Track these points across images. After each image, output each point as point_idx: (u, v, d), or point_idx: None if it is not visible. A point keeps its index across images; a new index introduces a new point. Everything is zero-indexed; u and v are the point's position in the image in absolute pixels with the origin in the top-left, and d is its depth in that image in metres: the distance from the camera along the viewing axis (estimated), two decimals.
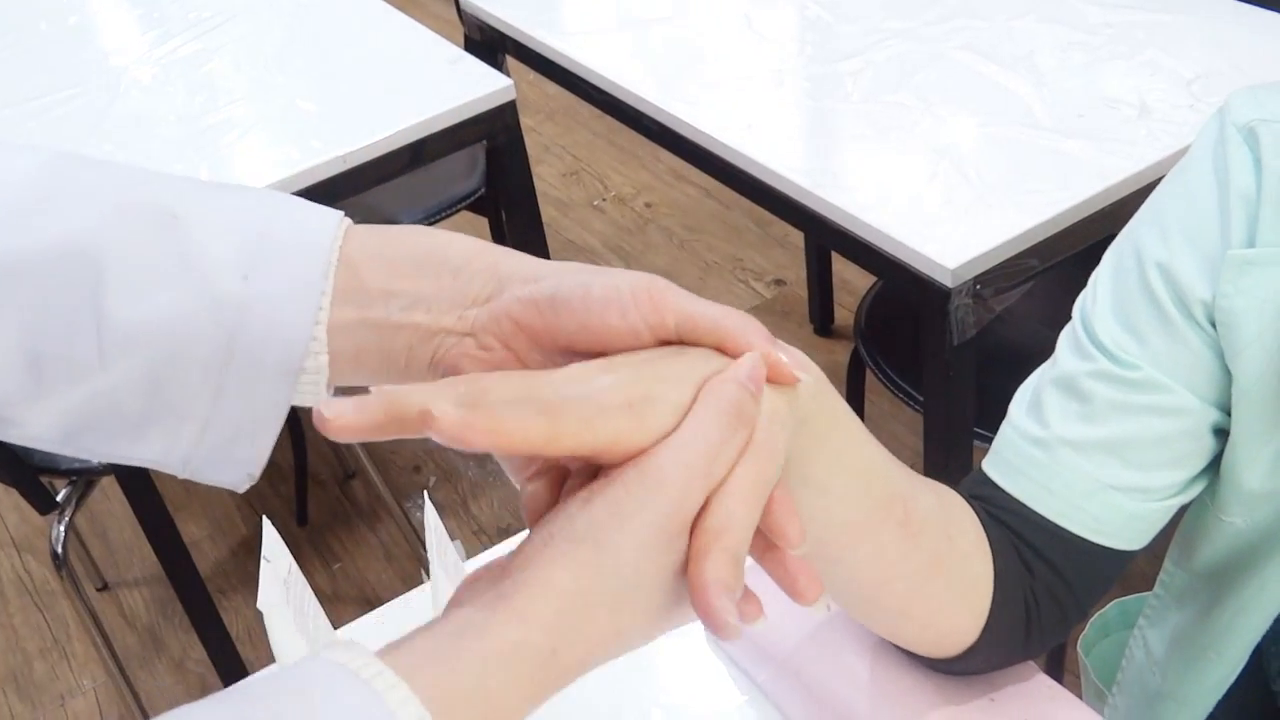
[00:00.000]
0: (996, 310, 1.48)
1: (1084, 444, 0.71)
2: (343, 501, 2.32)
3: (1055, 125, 1.35)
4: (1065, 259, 1.28)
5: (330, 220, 0.50)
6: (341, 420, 0.41)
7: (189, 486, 2.30)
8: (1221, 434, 0.73)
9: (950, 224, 1.24)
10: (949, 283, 1.18)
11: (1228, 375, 0.70)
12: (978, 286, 1.21)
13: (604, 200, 3.01)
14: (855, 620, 0.72)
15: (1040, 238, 1.23)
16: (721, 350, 0.47)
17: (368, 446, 2.24)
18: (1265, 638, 0.79)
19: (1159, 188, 0.75)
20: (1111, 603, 1.05)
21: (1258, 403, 0.69)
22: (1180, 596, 0.84)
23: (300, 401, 0.50)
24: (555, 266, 0.49)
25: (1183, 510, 0.78)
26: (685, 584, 0.43)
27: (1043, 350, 0.77)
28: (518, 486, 0.47)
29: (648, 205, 2.96)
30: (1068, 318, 0.77)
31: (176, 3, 1.89)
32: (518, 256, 0.50)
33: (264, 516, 0.73)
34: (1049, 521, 0.71)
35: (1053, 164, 1.30)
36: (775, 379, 0.47)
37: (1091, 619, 1.05)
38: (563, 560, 0.41)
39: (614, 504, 0.42)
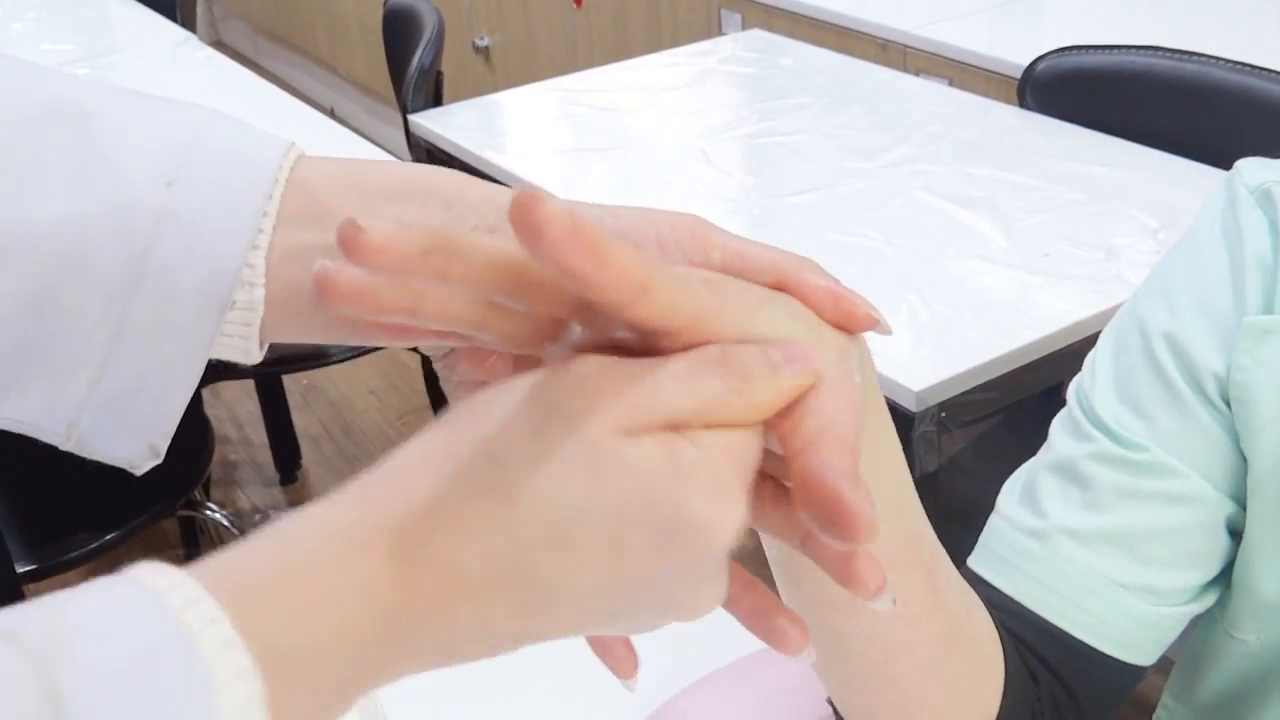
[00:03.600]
0: (953, 450, 1.41)
1: (1087, 534, 0.63)
2: None
3: (1020, 262, 1.31)
4: (1023, 400, 1.22)
5: (279, 139, 0.42)
6: (379, 232, 0.30)
7: None
8: (1236, 535, 0.64)
9: (912, 349, 1.18)
10: (913, 407, 1.11)
11: (1243, 461, 0.62)
12: (942, 414, 1.14)
13: None
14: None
15: (1006, 368, 1.17)
16: (779, 290, 0.37)
17: None
18: None
19: (1161, 261, 0.69)
20: None
21: (1275, 491, 0.61)
22: None
23: (223, 351, 0.41)
24: (573, 203, 0.40)
25: (1182, 637, 0.69)
26: (675, 522, 0.32)
27: (989, 504, 0.69)
28: None
29: None
30: (1014, 469, 0.69)
31: None
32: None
33: None
34: (1049, 624, 0.62)
35: (1018, 297, 1.25)
36: (846, 322, 0.37)
37: None
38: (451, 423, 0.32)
39: (561, 369, 0.33)
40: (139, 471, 0.41)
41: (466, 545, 0.30)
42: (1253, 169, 0.65)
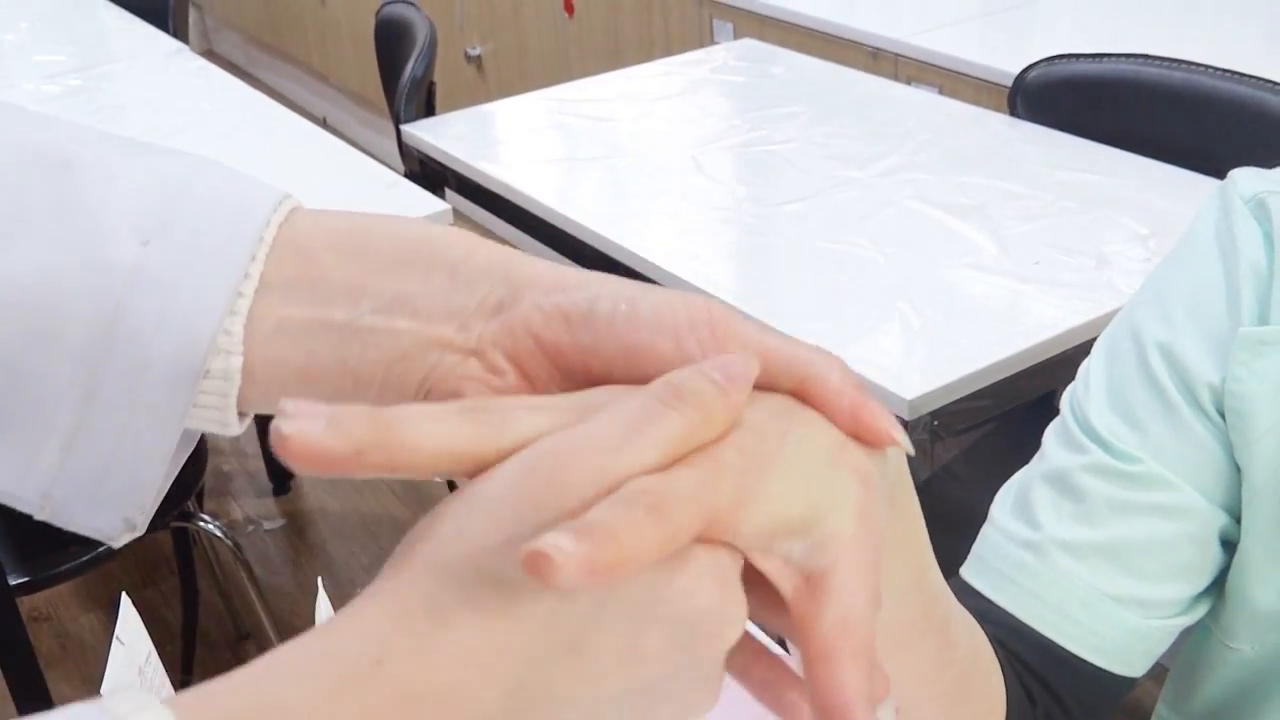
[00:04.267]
0: (945, 458, 1.41)
1: (1081, 547, 0.63)
2: (235, 666, 2.14)
3: (1012, 270, 1.32)
4: (1015, 408, 1.23)
5: (272, 191, 0.38)
6: (305, 439, 0.29)
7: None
8: (1229, 546, 0.65)
9: (904, 358, 1.18)
10: (905, 415, 1.11)
11: (1237, 473, 0.63)
12: (934, 422, 1.14)
13: None
14: None
15: (998, 376, 1.18)
16: (799, 396, 0.35)
17: (268, 606, 2.08)
18: None
19: (1155, 271, 0.69)
20: None
21: (1271, 502, 0.62)
22: None
23: (199, 421, 0.38)
24: (586, 276, 0.37)
25: (1175, 646, 0.69)
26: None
27: (981, 511, 0.69)
28: None
29: None
30: (1006, 477, 0.69)
31: (136, 118, 1.86)
32: (533, 260, 0.38)
33: (123, 592, 0.61)
34: (1043, 637, 0.62)
35: (1010, 305, 1.26)
36: (866, 438, 0.35)
37: None
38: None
39: (522, 456, 0.31)
40: (116, 545, 0.39)
41: (477, 674, 0.28)
42: (1247, 179, 0.65)
